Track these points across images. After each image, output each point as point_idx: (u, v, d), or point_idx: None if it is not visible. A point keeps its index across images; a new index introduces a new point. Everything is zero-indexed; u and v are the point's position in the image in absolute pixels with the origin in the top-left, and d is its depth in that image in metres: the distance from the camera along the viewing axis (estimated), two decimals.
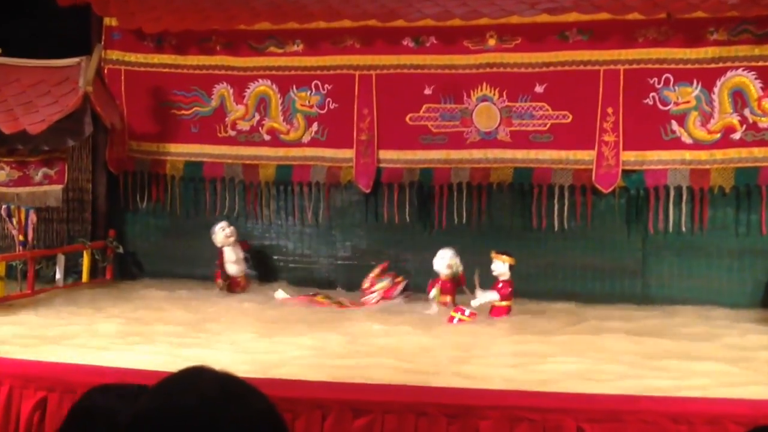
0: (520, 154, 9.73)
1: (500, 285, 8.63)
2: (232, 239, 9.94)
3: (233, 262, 9.95)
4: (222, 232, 9.94)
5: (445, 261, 8.97)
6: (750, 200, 9.33)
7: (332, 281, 10.25)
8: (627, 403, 4.72)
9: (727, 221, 9.44)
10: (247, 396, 1.71)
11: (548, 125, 9.66)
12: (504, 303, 8.59)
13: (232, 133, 10.53)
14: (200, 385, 1.70)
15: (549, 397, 4.91)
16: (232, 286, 9.94)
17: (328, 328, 7.95)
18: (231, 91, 10.51)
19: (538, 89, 9.66)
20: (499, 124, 9.78)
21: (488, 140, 9.82)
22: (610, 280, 9.65)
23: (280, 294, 9.51)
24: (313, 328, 7.98)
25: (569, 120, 9.60)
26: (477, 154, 9.85)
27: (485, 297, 8.58)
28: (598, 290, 9.56)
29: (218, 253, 9.99)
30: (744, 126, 9.16)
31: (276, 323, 8.24)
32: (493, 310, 8.59)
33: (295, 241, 10.63)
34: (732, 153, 9.20)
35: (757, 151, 9.14)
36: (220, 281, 9.90)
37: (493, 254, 8.68)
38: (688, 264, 9.52)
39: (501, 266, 8.63)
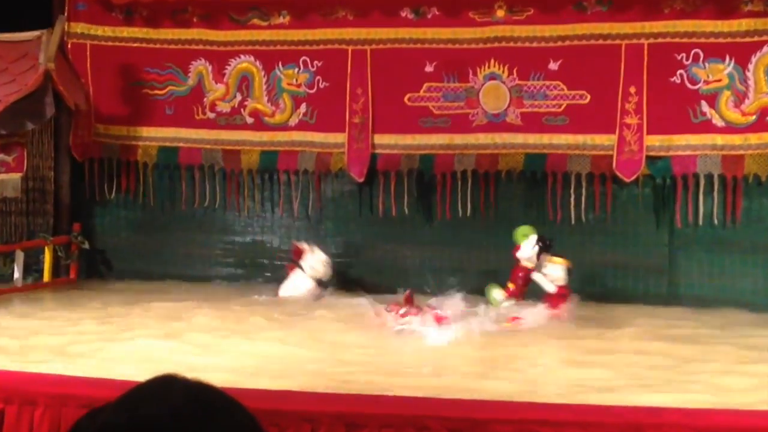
0: (532, 139, 9.75)
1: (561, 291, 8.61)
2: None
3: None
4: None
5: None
6: None
7: (323, 281, 10.24)
8: (649, 416, 4.73)
9: (762, 213, 9.45)
10: (224, 407, 1.70)
11: (563, 106, 9.67)
12: (557, 309, 8.56)
13: (211, 115, 10.54)
14: (171, 396, 1.68)
15: (563, 410, 4.92)
16: None
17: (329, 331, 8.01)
18: (210, 68, 10.51)
19: (553, 66, 9.67)
20: (509, 106, 9.79)
21: (496, 123, 9.82)
22: (633, 278, 9.66)
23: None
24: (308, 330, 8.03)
25: (587, 100, 9.61)
26: (484, 138, 9.86)
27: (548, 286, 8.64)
28: (619, 290, 9.57)
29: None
30: None
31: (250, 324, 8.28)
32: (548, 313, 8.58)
33: (282, 236, 10.64)
34: None
35: None
36: None
37: (546, 257, 8.65)
38: (719, 261, 9.53)
39: (556, 270, 8.58)
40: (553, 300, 8.60)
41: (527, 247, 8.85)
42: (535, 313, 8.48)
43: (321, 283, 9.79)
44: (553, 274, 8.64)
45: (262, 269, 10.60)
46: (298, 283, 9.72)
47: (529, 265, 8.85)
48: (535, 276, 8.67)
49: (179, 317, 8.56)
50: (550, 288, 8.61)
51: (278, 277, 10.32)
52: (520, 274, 8.92)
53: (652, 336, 7.99)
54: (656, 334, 8.04)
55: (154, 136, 10.68)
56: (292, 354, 7.29)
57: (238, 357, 7.15)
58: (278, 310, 8.93)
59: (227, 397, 1.72)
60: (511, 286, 8.94)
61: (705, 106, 9.34)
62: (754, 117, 9.24)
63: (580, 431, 4.61)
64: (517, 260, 8.94)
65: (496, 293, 8.92)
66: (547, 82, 9.71)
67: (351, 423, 4.71)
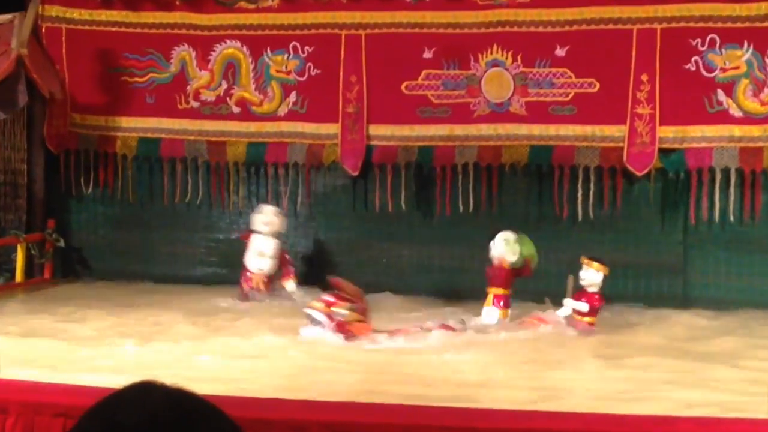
0: (537, 130, 9.74)
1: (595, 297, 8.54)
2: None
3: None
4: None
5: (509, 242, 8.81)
6: None
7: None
8: (662, 426, 4.73)
9: None
10: (205, 414, 1.71)
11: (571, 95, 9.67)
12: (587, 318, 8.51)
13: (195, 104, 10.52)
14: (149, 403, 1.69)
15: (570, 419, 4.92)
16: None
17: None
18: (193, 54, 10.50)
19: (559, 52, 9.67)
20: (513, 94, 9.79)
21: (499, 113, 9.82)
22: (645, 279, 9.65)
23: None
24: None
25: (596, 89, 9.61)
26: (486, 129, 9.85)
27: (572, 306, 8.52)
28: (630, 291, 9.56)
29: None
30: None
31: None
32: (576, 324, 8.49)
33: None
34: None
35: None
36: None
37: (583, 260, 8.57)
38: (737, 260, 9.53)
39: (593, 275, 8.53)
40: (586, 312, 8.52)
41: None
42: (562, 322, 8.46)
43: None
44: (589, 278, 8.54)
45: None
46: (262, 247, 9.69)
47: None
48: (561, 311, 8.54)
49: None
50: (583, 307, 8.52)
51: None
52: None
53: (665, 338, 7.98)
54: (670, 338, 8.03)
55: (133, 126, 10.65)
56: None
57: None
58: (221, 317, 8.88)
59: (209, 405, 1.73)
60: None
61: (721, 95, 9.34)
62: None
63: None
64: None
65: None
66: (554, 70, 9.70)
67: None
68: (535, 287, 8.92)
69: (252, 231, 9.84)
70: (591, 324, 8.50)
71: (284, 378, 6.69)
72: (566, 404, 5.82)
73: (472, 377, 6.87)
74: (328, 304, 7.96)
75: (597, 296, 8.49)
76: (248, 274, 9.73)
